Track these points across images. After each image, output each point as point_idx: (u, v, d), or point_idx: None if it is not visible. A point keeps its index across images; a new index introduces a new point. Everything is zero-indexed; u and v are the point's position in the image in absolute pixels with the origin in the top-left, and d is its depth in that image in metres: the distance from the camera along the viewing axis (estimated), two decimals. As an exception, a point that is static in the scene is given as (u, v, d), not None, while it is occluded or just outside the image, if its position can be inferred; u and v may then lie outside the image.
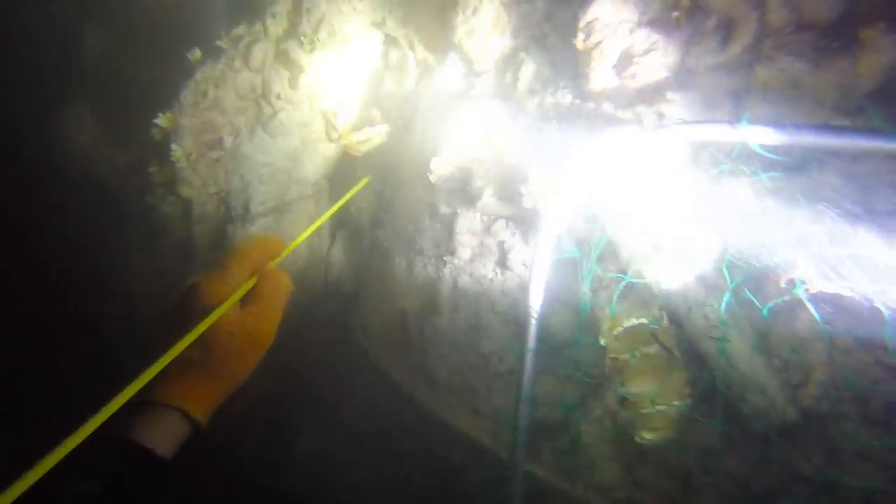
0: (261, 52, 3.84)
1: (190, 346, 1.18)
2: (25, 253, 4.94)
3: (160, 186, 4.47)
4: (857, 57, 1.62)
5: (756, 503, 1.79)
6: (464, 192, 3.02)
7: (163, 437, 1.16)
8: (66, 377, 4.25)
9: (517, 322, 2.63)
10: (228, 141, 4.09)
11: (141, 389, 1.07)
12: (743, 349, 1.76)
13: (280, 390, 3.99)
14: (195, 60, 4.03)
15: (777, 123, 1.63)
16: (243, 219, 4.20)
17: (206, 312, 1.22)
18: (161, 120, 3.96)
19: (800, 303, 1.69)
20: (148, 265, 4.76)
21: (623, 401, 2.10)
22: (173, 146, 4.08)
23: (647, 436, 1.98)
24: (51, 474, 0.86)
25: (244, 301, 1.35)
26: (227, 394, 1.35)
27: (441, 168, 3.10)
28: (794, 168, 1.74)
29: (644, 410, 1.98)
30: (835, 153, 1.64)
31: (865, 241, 1.48)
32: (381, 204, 4.00)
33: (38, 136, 5.00)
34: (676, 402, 1.93)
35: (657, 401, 1.95)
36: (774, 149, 1.66)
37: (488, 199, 2.82)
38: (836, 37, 1.70)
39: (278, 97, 3.83)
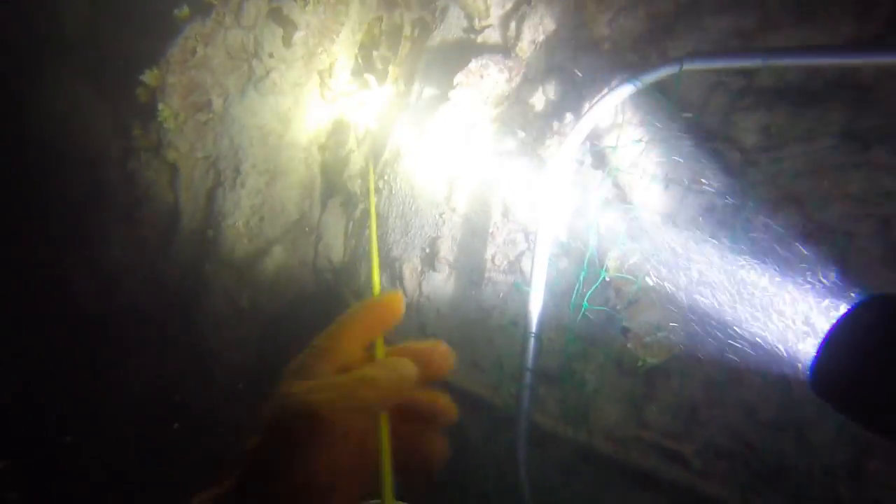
0: (253, 7, 3.75)
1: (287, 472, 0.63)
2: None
3: (144, 151, 4.34)
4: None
5: (763, 431, 1.81)
6: (465, 146, 2.99)
7: None
8: (41, 344, 4.12)
9: (521, 272, 2.61)
10: (218, 102, 3.99)
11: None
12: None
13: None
14: (183, 17, 3.92)
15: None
16: (233, 184, 4.10)
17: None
18: (147, 77, 3.84)
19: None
20: (128, 235, 4.64)
21: (626, 331, 2.11)
22: (160, 106, 3.96)
23: (651, 360, 2.00)
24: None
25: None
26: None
27: (441, 125, 3.07)
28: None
29: (647, 339, 1.99)
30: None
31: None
32: (376, 168, 3.94)
33: (13, 101, 4.82)
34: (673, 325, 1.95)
35: (659, 328, 1.97)
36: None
37: (489, 153, 2.80)
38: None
39: (271, 56, 3.75)
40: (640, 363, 2.10)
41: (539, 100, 2.68)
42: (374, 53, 3.87)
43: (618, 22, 2.24)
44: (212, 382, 4.22)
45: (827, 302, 1.54)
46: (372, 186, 1.03)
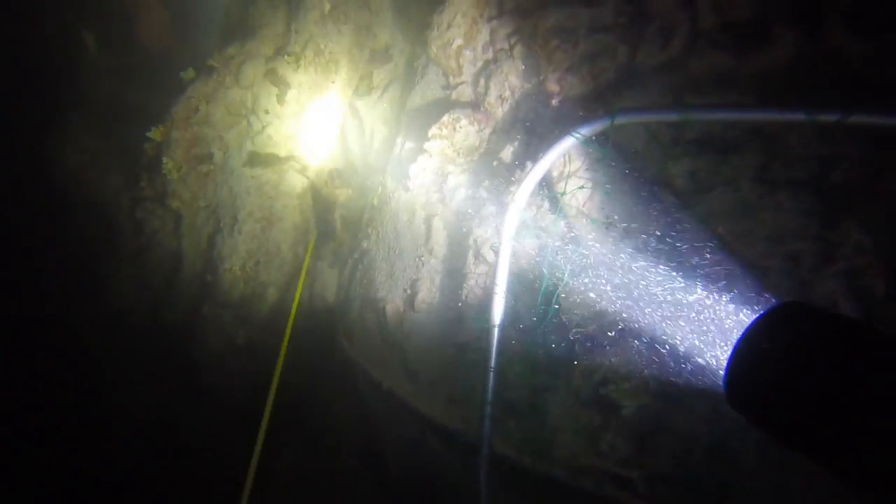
0: (251, 69, 4.08)
1: None
2: (12, 263, 5.04)
3: (150, 201, 4.63)
4: (772, 50, 1.84)
5: (706, 456, 1.91)
6: (440, 193, 3.20)
7: None
8: (45, 379, 4.31)
9: (489, 310, 2.76)
10: (218, 155, 4.29)
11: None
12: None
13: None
14: (188, 78, 4.26)
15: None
16: (231, 230, 4.35)
17: None
18: (153, 133, 4.16)
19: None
20: (134, 278, 4.88)
21: (604, 381, 2.24)
22: (164, 159, 4.27)
23: (630, 404, 2.11)
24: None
25: None
26: None
27: (419, 174, 3.30)
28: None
29: (626, 385, 2.12)
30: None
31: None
32: (363, 216, 4.17)
33: (32, 151, 5.17)
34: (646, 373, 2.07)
35: (630, 376, 2.09)
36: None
37: (461, 198, 3.00)
38: (754, 35, 1.92)
39: (266, 112, 4.05)
40: (623, 408, 2.19)
41: (506, 151, 2.90)
42: (362, 107, 4.16)
43: (566, 80, 2.47)
44: (207, 412, 4.35)
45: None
46: (311, 249, 1.26)
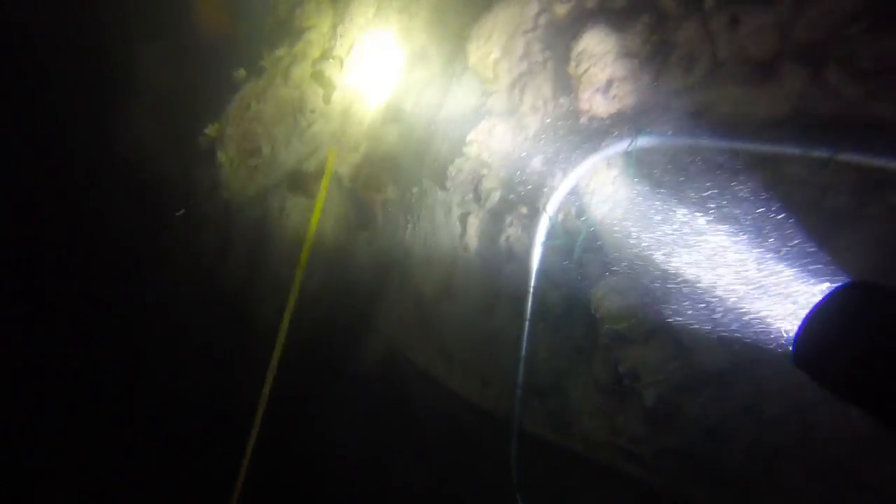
0: (299, 69, 4.38)
1: None
2: (76, 245, 5.48)
3: (204, 189, 5.01)
4: (780, 85, 2.08)
5: (708, 437, 2.22)
6: (475, 193, 3.51)
7: None
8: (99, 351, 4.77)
9: (521, 301, 3.09)
10: (267, 149, 4.63)
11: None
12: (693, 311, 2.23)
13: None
14: (240, 77, 4.59)
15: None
16: (278, 217, 4.72)
17: None
18: (209, 130, 4.50)
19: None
20: (184, 258, 5.30)
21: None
22: (219, 153, 4.62)
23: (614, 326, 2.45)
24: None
25: None
26: None
27: (456, 174, 3.60)
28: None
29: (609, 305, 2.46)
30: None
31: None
32: (403, 205, 4.49)
33: (93, 138, 5.56)
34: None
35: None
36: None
37: (496, 199, 3.31)
38: (767, 70, 2.17)
39: (312, 111, 4.36)
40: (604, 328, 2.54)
41: (537, 159, 3.18)
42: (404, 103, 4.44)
43: (595, 99, 2.74)
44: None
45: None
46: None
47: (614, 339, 2.61)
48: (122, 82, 5.54)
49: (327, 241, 4.76)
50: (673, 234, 2.42)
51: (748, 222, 2.13)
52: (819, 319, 1.27)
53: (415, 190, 4.24)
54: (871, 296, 1.23)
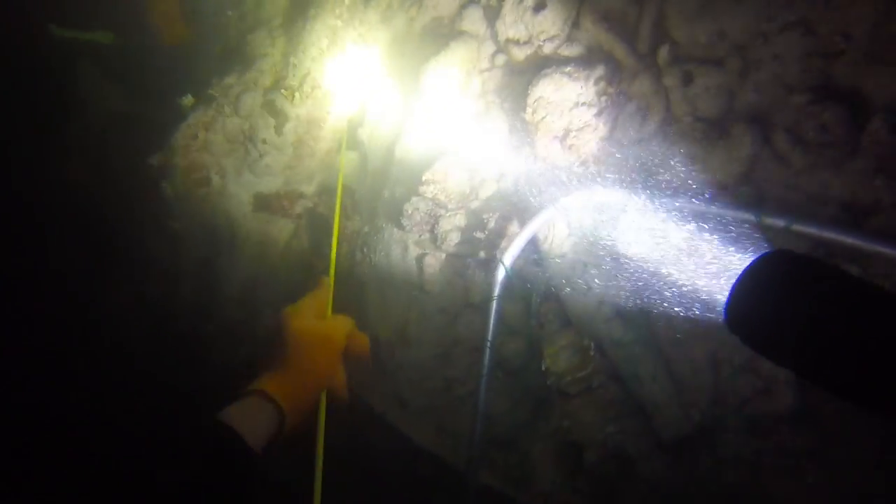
0: (250, 99, 4.21)
1: (280, 349, 1.57)
2: (14, 275, 5.14)
3: (148, 220, 4.76)
4: (731, 147, 2.09)
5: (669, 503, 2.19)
6: (432, 234, 3.42)
7: (254, 425, 1.35)
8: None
9: (478, 350, 3.01)
10: (216, 180, 4.43)
11: (236, 384, 1.35)
12: (651, 373, 2.18)
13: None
14: (187, 105, 4.38)
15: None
16: (229, 251, 4.51)
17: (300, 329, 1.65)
18: (154, 160, 4.28)
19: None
20: (133, 293, 5.02)
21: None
22: (164, 183, 4.40)
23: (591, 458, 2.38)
24: (136, 460, 1.11)
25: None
26: (311, 393, 1.64)
27: (412, 213, 3.50)
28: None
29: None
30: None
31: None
32: (360, 238, 4.37)
33: (28, 167, 5.24)
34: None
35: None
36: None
37: (453, 242, 3.23)
38: (718, 129, 2.17)
39: (264, 142, 4.20)
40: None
41: (493, 201, 3.12)
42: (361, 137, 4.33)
43: (553, 147, 2.70)
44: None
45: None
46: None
47: (560, 395, 2.57)
48: (60, 105, 5.24)
49: (281, 272, 4.59)
50: (629, 286, 2.39)
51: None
52: (747, 284, 1.35)
53: (372, 224, 4.13)
54: (792, 262, 1.34)
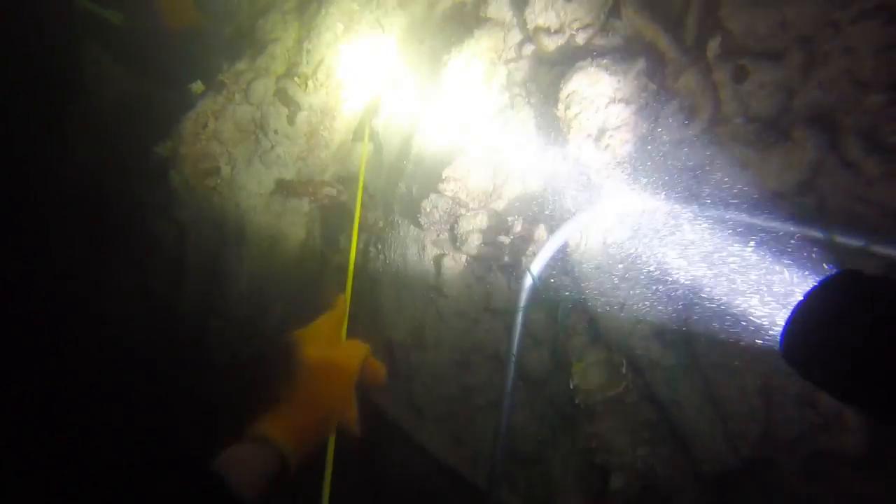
0: (261, 86, 4.03)
1: (280, 383, 1.33)
2: (16, 265, 5.02)
3: (156, 209, 4.61)
4: (790, 151, 1.88)
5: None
6: (451, 233, 3.24)
7: (248, 471, 1.16)
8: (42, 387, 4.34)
9: (499, 359, 2.85)
10: (226, 170, 4.26)
11: (234, 428, 1.18)
12: (692, 399, 2.00)
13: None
14: (197, 91, 4.20)
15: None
16: (238, 244, 4.35)
17: (312, 358, 1.42)
18: (161, 149, 4.11)
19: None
20: (137, 284, 4.89)
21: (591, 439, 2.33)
22: (171, 172, 4.23)
23: (618, 483, 2.21)
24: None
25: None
26: (321, 432, 1.42)
27: (431, 210, 3.32)
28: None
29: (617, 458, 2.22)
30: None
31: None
32: (374, 233, 4.19)
33: (36, 151, 5.09)
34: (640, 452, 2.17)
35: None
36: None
37: (474, 244, 3.05)
38: (774, 131, 1.96)
39: (276, 132, 4.02)
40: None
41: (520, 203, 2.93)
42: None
43: (587, 146, 2.50)
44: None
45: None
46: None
47: (587, 413, 2.40)
48: (65, 88, 5.07)
49: (292, 267, 4.43)
50: (665, 301, 2.21)
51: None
52: (808, 311, 1.20)
53: (387, 220, 3.95)
54: (863, 286, 1.17)
